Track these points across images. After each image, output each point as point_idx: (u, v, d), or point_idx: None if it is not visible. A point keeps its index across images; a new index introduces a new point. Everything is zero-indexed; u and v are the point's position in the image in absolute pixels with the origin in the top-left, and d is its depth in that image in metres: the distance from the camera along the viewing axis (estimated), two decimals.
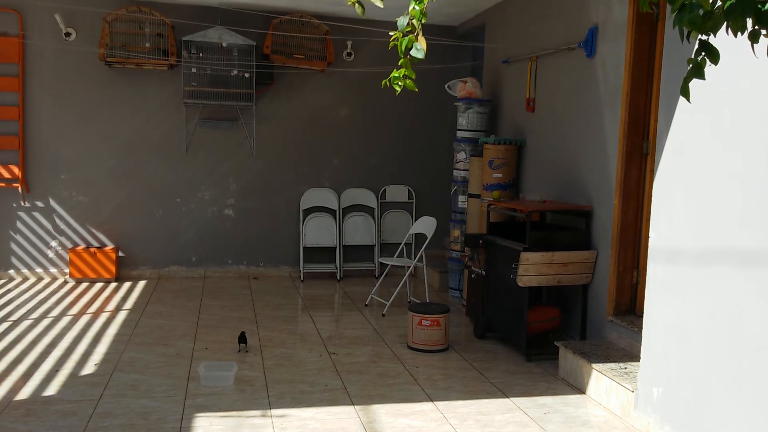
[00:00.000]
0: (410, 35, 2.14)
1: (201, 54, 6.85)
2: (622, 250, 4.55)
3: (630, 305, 4.60)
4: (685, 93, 1.88)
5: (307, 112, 7.52)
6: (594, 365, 4.09)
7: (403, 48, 2.16)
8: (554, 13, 5.57)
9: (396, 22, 2.22)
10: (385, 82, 2.34)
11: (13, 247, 6.95)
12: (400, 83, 2.30)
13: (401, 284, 6.25)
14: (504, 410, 3.93)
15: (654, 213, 3.64)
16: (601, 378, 4.04)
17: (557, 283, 4.80)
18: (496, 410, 3.93)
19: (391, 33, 2.23)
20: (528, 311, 4.79)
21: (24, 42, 6.77)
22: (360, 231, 7.66)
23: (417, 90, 2.40)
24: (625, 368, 4.02)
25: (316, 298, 6.65)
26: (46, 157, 6.94)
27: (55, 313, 5.78)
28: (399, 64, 2.26)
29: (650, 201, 3.79)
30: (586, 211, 4.91)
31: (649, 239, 3.66)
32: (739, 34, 1.72)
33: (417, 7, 2.09)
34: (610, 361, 4.13)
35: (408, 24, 2.14)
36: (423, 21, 2.11)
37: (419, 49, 2.14)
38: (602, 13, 4.84)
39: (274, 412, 3.82)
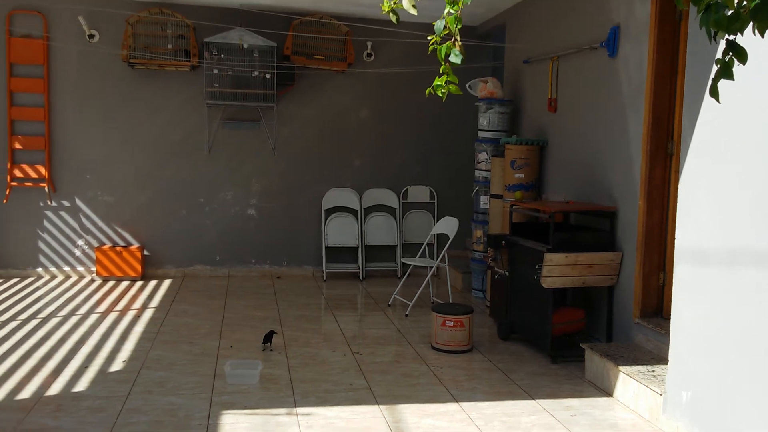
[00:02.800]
0: (448, 42, 2.18)
1: (222, 55, 6.90)
2: (648, 252, 4.52)
3: (657, 307, 4.56)
4: (714, 94, 1.88)
5: (328, 113, 7.55)
6: (621, 368, 4.06)
7: (443, 55, 2.20)
8: (576, 12, 5.54)
9: (419, 24, 2.28)
10: (429, 91, 2.39)
11: (41, 245, 7.06)
12: (443, 89, 2.35)
13: (424, 284, 6.26)
14: (530, 412, 3.93)
15: (680, 214, 3.61)
16: (628, 381, 4.02)
17: (582, 284, 4.78)
18: (521, 412, 3.92)
19: (429, 37, 2.26)
20: (552, 313, 4.76)
21: (48, 44, 6.87)
22: (382, 231, 7.68)
23: (461, 93, 2.44)
24: (653, 371, 4.00)
25: (339, 298, 6.68)
26: (72, 158, 7.04)
27: (83, 310, 5.87)
28: (441, 71, 2.30)
29: (676, 201, 3.77)
30: (610, 211, 4.88)
31: (675, 240, 3.63)
32: (766, 34, 1.71)
33: (452, 12, 2.12)
34: (638, 364, 4.10)
35: (444, 28, 2.17)
36: (459, 26, 2.14)
37: (458, 54, 2.17)
38: (624, 13, 4.81)
39: (300, 410, 3.85)
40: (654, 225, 4.52)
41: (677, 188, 3.69)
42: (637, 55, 4.62)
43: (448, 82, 2.36)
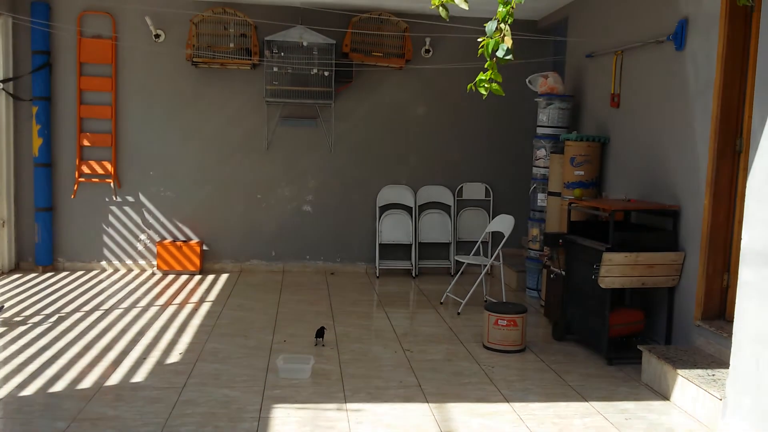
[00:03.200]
0: (496, 36, 2.12)
1: (282, 53, 7.00)
2: (712, 252, 4.37)
3: (719, 310, 4.41)
4: None
5: (385, 110, 7.56)
6: (680, 371, 3.94)
7: (489, 50, 2.15)
8: (641, 5, 5.38)
9: (478, 19, 2.22)
10: (471, 87, 2.33)
11: (106, 239, 7.31)
12: (486, 86, 2.28)
13: (477, 283, 6.20)
14: (583, 414, 3.83)
15: (747, 213, 3.46)
16: (687, 385, 3.88)
17: (641, 285, 4.66)
18: (574, 414, 3.83)
19: (479, 39, 2.21)
20: (610, 313, 4.66)
21: (116, 44, 7.11)
22: (436, 228, 7.64)
23: (504, 94, 2.37)
24: (713, 375, 3.86)
25: (391, 295, 6.68)
26: (137, 154, 7.27)
27: (143, 303, 6.05)
28: (485, 66, 2.24)
29: (743, 201, 3.61)
30: (673, 210, 4.74)
31: (742, 241, 3.48)
32: None
33: (503, 9, 2.07)
34: (697, 368, 3.97)
35: (496, 29, 2.12)
36: (510, 22, 2.09)
37: (506, 49, 2.12)
38: (693, 5, 4.65)
39: (350, 405, 3.86)
40: (719, 225, 4.37)
41: (745, 187, 3.54)
42: (706, 49, 4.48)
43: (491, 80, 2.29)
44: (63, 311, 5.67)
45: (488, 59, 2.21)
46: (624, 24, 5.69)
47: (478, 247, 6.71)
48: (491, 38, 2.17)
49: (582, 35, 6.54)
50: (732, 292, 4.25)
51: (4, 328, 5.12)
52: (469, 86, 2.36)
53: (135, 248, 7.36)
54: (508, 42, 2.21)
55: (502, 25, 2.18)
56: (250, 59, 6.98)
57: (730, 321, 4.10)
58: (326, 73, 7.05)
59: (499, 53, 2.18)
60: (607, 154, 5.92)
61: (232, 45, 6.98)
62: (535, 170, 6.60)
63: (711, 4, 4.42)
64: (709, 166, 4.38)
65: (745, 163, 4.16)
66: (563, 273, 5.28)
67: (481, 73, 2.27)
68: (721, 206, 4.36)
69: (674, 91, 4.86)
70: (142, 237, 7.36)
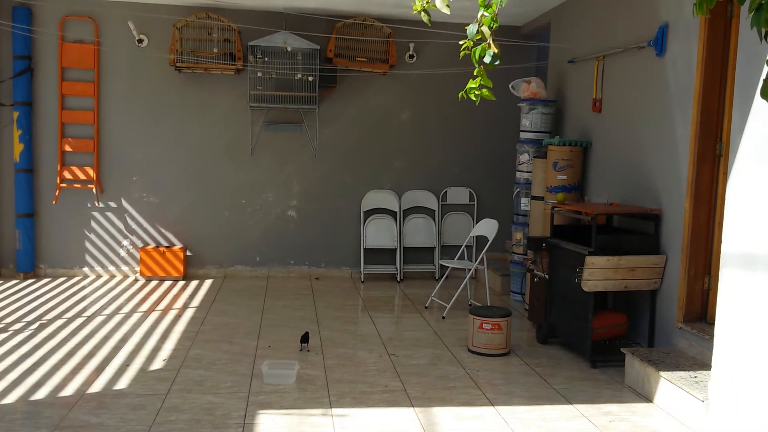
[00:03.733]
0: (482, 44, 2.13)
1: (266, 58, 6.99)
2: (693, 255, 4.41)
3: (701, 312, 4.44)
4: (766, 95, 1.81)
5: (369, 115, 7.57)
6: (662, 373, 3.97)
7: (477, 57, 2.16)
8: (623, 11, 5.43)
9: (461, 24, 2.23)
10: (462, 95, 2.34)
11: (88, 246, 7.25)
12: (477, 93, 2.30)
13: (462, 287, 6.21)
14: (568, 417, 3.85)
15: (727, 217, 3.50)
16: (669, 387, 3.91)
17: (624, 288, 4.69)
18: (559, 417, 3.85)
19: (460, 42, 2.22)
20: (593, 317, 4.68)
21: (99, 49, 7.06)
22: (420, 233, 7.65)
23: (495, 99, 2.38)
24: (695, 377, 3.89)
25: (376, 300, 6.68)
26: (119, 160, 7.22)
27: (126, 309, 5.99)
28: (474, 74, 2.25)
29: (723, 204, 3.65)
30: (654, 214, 4.78)
31: (722, 244, 3.52)
32: None
33: (487, 14, 2.08)
34: (680, 370, 4.00)
35: (477, 32, 2.13)
36: (495, 27, 2.10)
37: (492, 55, 2.13)
38: (673, 11, 4.70)
39: (335, 411, 3.85)
40: (700, 228, 4.41)
41: (725, 191, 3.58)
42: (686, 55, 4.52)
43: (481, 86, 2.31)
44: (45, 318, 5.61)
45: (476, 66, 2.23)
46: (606, 30, 5.74)
47: (463, 251, 6.73)
48: (472, 42, 2.18)
49: (564, 41, 6.59)
50: (713, 294, 4.29)
51: None
52: (460, 94, 2.37)
53: (118, 254, 7.30)
54: (494, 47, 2.22)
55: (484, 28, 2.19)
56: (234, 64, 6.96)
57: (712, 323, 4.14)
58: (310, 78, 7.05)
59: (486, 59, 2.19)
60: (589, 159, 5.95)
61: (215, 50, 6.96)
62: (518, 175, 6.63)
63: (691, 10, 4.45)
64: (689, 169, 4.41)
65: (725, 167, 4.18)
66: (547, 277, 5.30)
67: (471, 80, 2.28)
68: (701, 209, 4.39)
69: (655, 96, 4.90)
70: (125, 243, 7.30)
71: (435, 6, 2.44)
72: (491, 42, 2.22)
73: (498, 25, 2.24)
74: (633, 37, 5.20)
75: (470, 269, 6.31)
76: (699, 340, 4.23)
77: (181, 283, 7.07)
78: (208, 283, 7.15)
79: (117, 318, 5.70)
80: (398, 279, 7.50)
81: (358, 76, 7.39)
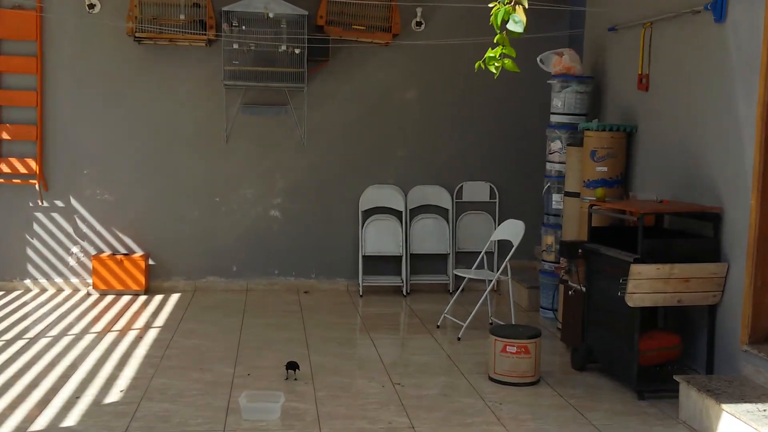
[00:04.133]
0: (507, 5, 2.11)
1: (244, 27, 6.99)
2: (761, 263, 4.43)
3: None
4: None
5: (368, 94, 7.58)
6: (724, 406, 3.97)
7: (499, 21, 2.13)
8: None
9: None
10: (480, 65, 2.32)
11: (30, 253, 7.25)
12: (497, 64, 2.27)
13: (481, 302, 6.22)
14: None
15: None
16: (733, 422, 3.91)
17: (677, 302, 4.71)
18: None
19: (490, 5, 2.20)
20: (640, 337, 4.70)
21: (42, 16, 7.06)
22: (431, 237, 7.65)
23: (519, 71, 2.35)
24: (765, 410, 3.89)
25: (377, 317, 6.69)
26: (67, 150, 7.23)
27: (76, 330, 6.00)
28: (495, 41, 2.23)
29: None
30: (714, 213, 4.80)
31: None
32: None
33: None
34: (745, 402, 4.01)
35: None
36: None
37: (518, 21, 2.11)
38: None
39: None
40: None
41: None
42: (750, 20, 4.54)
43: (503, 56, 2.29)
44: None
45: (498, 32, 2.21)
46: None
47: (482, 258, 6.72)
48: (503, 4, 2.15)
49: (604, 4, 6.60)
50: None
51: None
52: (477, 64, 2.35)
53: (66, 263, 7.31)
54: (520, 13, 2.19)
55: None
56: (205, 34, 6.96)
57: None
58: (297, 51, 7.05)
59: (510, 26, 2.17)
60: (634, 147, 5.97)
61: (182, 17, 6.95)
62: (549, 166, 6.64)
63: None
64: (756, 158, 4.42)
65: None
66: (583, 289, 5.31)
67: (490, 49, 2.26)
68: None
69: (714, 71, 4.92)
70: (75, 250, 7.30)
71: None
72: (518, 5, 2.19)
73: None
74: None
75: (491, 281, 6.31)
76: None
77: (142, 298, 7.08)
78: (174, 297, 7.16)
79: (65, 340, 5.70)
80: (404, 292, 7.51)
81: (355, 47, 7.39)
